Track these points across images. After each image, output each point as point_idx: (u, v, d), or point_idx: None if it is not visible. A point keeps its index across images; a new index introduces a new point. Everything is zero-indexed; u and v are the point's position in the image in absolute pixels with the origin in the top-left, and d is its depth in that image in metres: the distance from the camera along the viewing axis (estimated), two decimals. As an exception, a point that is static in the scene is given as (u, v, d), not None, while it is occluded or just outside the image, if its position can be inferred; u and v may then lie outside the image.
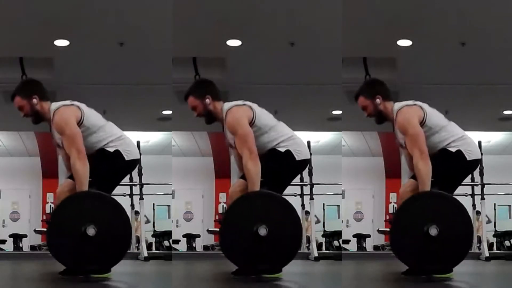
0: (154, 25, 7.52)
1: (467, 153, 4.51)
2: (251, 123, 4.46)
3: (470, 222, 4.45)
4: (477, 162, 4.60)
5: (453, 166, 4.52)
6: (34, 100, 4.54)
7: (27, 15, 7.32)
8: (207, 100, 4.57)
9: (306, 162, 4.64)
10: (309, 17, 7.49)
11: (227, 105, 4.54)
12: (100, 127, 4.51)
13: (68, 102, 4.51)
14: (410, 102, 4.54)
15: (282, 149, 4.51)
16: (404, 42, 8.11)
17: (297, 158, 4.54)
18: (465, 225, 4.40)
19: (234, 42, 8.14)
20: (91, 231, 4.25)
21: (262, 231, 4.28)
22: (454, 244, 4.36)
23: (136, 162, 4.66)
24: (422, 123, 4.46)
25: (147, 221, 11.78)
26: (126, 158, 4.53)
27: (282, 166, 4.54)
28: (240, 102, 4.54)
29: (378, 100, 4.58)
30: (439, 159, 4.45)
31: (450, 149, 4.50)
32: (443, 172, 4.45)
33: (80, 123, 4.43)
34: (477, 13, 7.40)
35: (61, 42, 8.04)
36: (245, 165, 4.38)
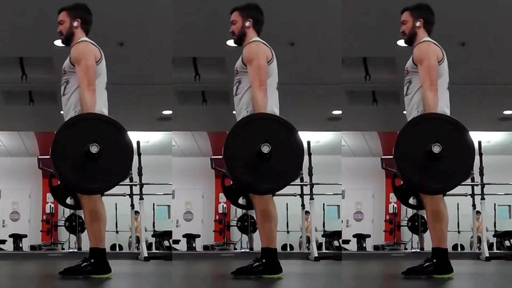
0: (154, 25, 7.53)
1: None
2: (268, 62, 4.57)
3: (473, 145, 4.49)
4: None
5: None
6: (76, 23, 4.60)
7: (27, 15, 7.32)
8: (248, 23, 4.63)
9: None
10: (309, 17, 7.49)
11: (255, 38, 4.63)
12: (99, 86, 4.55)
13: (95, 44, 4.58)
14: (438, 44, 4.61)
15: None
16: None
17: None
18: (467, 146, 4.45)
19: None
20: (94, 148, 4.28)
21: (265, 148, 4.32)
22: (456, 164, 4.41)
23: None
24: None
25: (146, 230, 11.80)
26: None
27: None
28: (267, 44, 4.62)
29: (419, 23, 4.65)
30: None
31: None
32: None
33: (97, 63, 4.53)
34: (477, 13, 7.41)
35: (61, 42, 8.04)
36: (254, 93, 4.51)
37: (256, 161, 4.36)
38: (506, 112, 10.75)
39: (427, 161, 4.36)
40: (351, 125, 10.08)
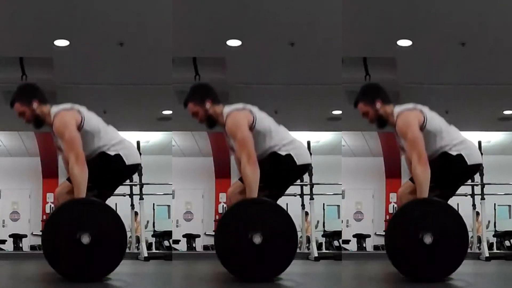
0: (154, 25, 7.52)
1: (468, 157, 4.49)
2: (251, 127, 4.44)
3: (466, 232, 4.44)
4: (478, 167, 4.58)
5: (453, 170, 4.50)
6: (34, 105, 4.51)
7: (27, 15, 7.32)
8: (207, 105, 4.56)
9: (307, 167, 4.62)
10: (309, 17, 7.49)
11: (227, 108, 4.53)
12: (101, 130, 4.49)
13: (68, 105, 4.48)
14: (411, 105, 4.51)
15: (283, 153, 4.49)
16: (404, 42, 8.11)
17: (298, 163, 4.52)
18: (461, 234, 4.39)
19: (234, 42, 8.14)
20: (85, 239, 4.23)
21: (257, 239, 4.26)
22: (449, 253, 4.34)
23: (137, 167, 4.64)
24: (422, 127, 4.44)
25: (147, 226, 11.79)
26: (127, 162, 4.52)
27: (283, 170, 4.52)
28: (240, 105, 4.52)
29: (378, 105, 4.56)
30: (440, 163, 4.43)
31: (451, 153, 4.47)
32: (444, 176, 4.43)
33: (80, 127, 4.40)
34: (477, 13, 7.40)
35: (61, 42, 8.04)
36: (243, 170, 4.37)
37: (248, 251, 4.28)
38: (506, 112, 10.74)
39: (419, 249, 4.27)
40: (351, 125, 10.05)
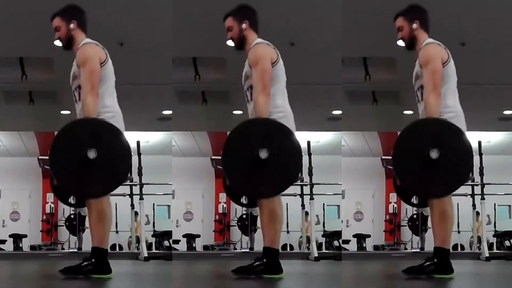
0: (154, 25, 7.52)
1: None
2: (272, 65, 4.51)
3: (471, 150, 4.49)
4: None
5: None
6: (72, 25, 4.56)
7: (27, 15, 7.32)
8: (244, 25, 4.61)
9: None
10: (309, 17, 7.49)
11: (258, 39, 4.59)
12: (108, 86, 4.52)
13: (99, 44, 4.53)
14: (442, 45, 4.57)
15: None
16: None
17: None
18: (465, 150, 4.45)
19: (234, 42, 8.14)
20: (92, 154, 4.28)
21: (263, 154, 4.32)
22: (455, 168, 4.42)
23: None
24: (443, 65, 4.50)
25: (147, 222, 11.80)
26: None
27: None
28: (271, 45, 4.57)
29: (415, 25, 4.62)
30: None
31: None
32: None
33: (101, 65, 4.46)
34: (477, 13, 7.41)
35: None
36: (256, 97, 4.45)
37: (254, 166, 4.36)
38: (506, 112, 10.75)
39: (425, 166, 4.36)
40: (351, 125, 10.08)
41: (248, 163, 4.37)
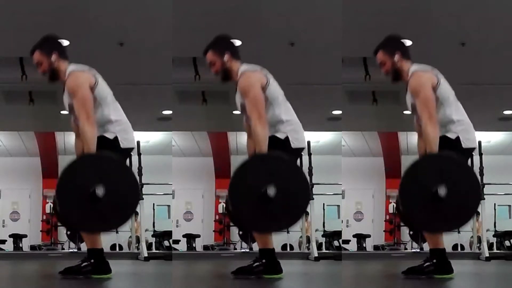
0: (154, 25, 7.52)
1: (463, 140, 4.53)
2: (263, 89, 4.48)
3: (478, 183, 4.49)
4: (472, 150, 4.62)
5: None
6: (53, 57, 4.55)
7: (27, 15, 7.32)
8: (226, 57, 4.57)
9: (301, 150, 4.65)
10: (309, 17, 7.49)
11: (244, 67, 4.55)
12: (108, 100, 4.51)
13: (85, 67, 4.53)
14: (427, 67, 4.55)
15: (282, 136, 4.51)
16: (404, 42, 8.11)
17: (293, 146, 4.55)
18: (473, 186, 4.44)
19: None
20: (100, 191, 4.25)
21: (271, 191, 4.29)
22: (462, 204, 4.39)
23: (130, 151, 4.66)
24: (434, 90, 4.48)
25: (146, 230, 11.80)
26: (122, 146, 4.54)
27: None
28: (257, 67, 4.55)
29: (397, 57, 4.58)
30: (439, 145, 4.47)
31: (449, 135, 4.50)
32: None
33: (92, 90, 4.45)
34: (477, 13, 7.40)
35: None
36: (254, 128, 4.41)
37: (261, 204, 4.30)
38: (506, 112, 10.74)
39: (433, 203, 4.30)
40: (351, 125, 10.08)
41: (255, 200, 4.30)
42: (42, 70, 4.57)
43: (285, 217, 4.41)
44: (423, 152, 4.47)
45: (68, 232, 11.70)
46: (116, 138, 4.50)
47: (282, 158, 4.41)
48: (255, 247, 11.09)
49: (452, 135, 4.51)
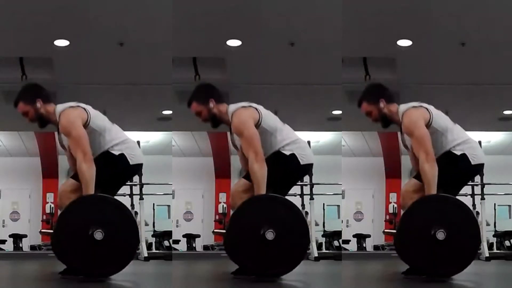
0: (154, 25, 7.52)
1: (471, 157, 4.48)
2: (257, 125, 4.43)
3: (478, 226, 4.44)
4: (481, 166, 4.56)
5: (457, 169, 4.49)
6: (38, 104, 4.49)
7: (27, 15, 7.32)
8: (211, 104, 4.54)
9: (310, 167, 4.62)
10: (309, 17, 7.49)
11: (232, 107, 4.51)
12: (106, 129, 4.48)
13: (74, 103, 4.46)
14: (416, 103, 4.50)
15: (287, 153, 4.49)
16: (404, 42, 8.12)
17: (302, 162, 4.52)
18: (473, 229, 4.38)
19: (234, 42, 8.14)
20: (98, 235, 4.22)
21: (270, 235, 4.26)
22: (462, 248, 4.33)
23: (140, 166, 4.63)
24: (428, 125, 4.43)
25: (146, 224, 11.79)
26: (131, 162, 4.51)
27: (287, 170, 4.52)
28: (246, 103, 4.51)
29: (381, 104, 4.54)
30: (444, 162, 4.42)
31: (455, 152, 4.47)
32: (447, 175, 4.41)
33: (86, 125, 4.39)
34: (477, 13, 7.40)
35: (61, 42, 8.04)
36: (251, 167, 4.36)
37: (260, 247, 4.27)
38: (506, 112, 10.74)
39: (431, 245, 4.26)
40: (351, 125, 10.05)
41: (254, 243, 4.27)
42: (30, 119, 4.53)
43: (286, 260, 4.35)
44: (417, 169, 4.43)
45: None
46: (122, 154, 4.47)
47: (278, 198, 4.36)
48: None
49: (457, 152, 4.46)
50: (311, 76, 8.82)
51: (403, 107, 4.51)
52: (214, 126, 4.59)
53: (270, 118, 4.52)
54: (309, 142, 8.87)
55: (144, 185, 8.66)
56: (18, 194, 14.04)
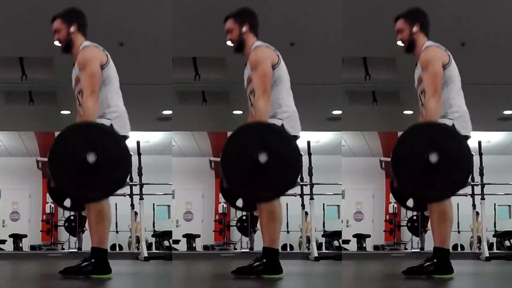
0: (154, 25, 7.53)
1: (459, 129, 4.55)
2: (273, 67, 4.50)
3: (470, 154, 4.51)
4: (467, 139, 4.63)
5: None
6: (73, 28, 4.55)
7: (27, 15, 7.32)
8: (245, 28, 4.59)
9: (296, 138, 4.65)
10: (309, 17, 7.49)
11: (258, 42, 4.57)
12: (112, 86, 4.52)
13: (100, 46, 4.52)
14: (442, 47, 4.56)
15: (278, 123, 4.52)
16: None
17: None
18: (464, 156, 4.46)
19: (234, 42, 8.13)
20: (91, 158, 4.27)
21: (263, 157, 4.30)
22: (453, 173, 4.40)
23: (125, 139, 4.67)
24: (444, 68, 4.49)
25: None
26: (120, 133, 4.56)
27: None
28: (271, 46, 4.56)
29: (415, 28, 4.60)
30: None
31: (445, 121, 4.52)
32: None
33: (102, 68, 4.45)
34: (477, 13, 7.41)
35: (61, 42, 8.03)
36: (256, 101, 4.44)
37: (254, 170, 4.33)
38: (506, 112, 10.74)
39: (424, 170, 4.33)
40: (351, 125, 10.07)
41: (247, 167, 4.34)
42: (58, 38, 4.58)
43: (277, 185, 4.43)
44: None
45: (66, 224, 11.70)
46: (111, 126, 4.51)
47: (273, 126, 4.44)
48: (256, 247, 11.13)
49: (448, 122, 4.52)
50: (311, 76, 8.83)
51: (429, 42, 4.58)
52: (237, 50, 4.63)
53: (284, 71, 4.58)
54: (309, 142, 8.99)
55: (144, 185, 8.66)
56: (18, 194, 14.03)
